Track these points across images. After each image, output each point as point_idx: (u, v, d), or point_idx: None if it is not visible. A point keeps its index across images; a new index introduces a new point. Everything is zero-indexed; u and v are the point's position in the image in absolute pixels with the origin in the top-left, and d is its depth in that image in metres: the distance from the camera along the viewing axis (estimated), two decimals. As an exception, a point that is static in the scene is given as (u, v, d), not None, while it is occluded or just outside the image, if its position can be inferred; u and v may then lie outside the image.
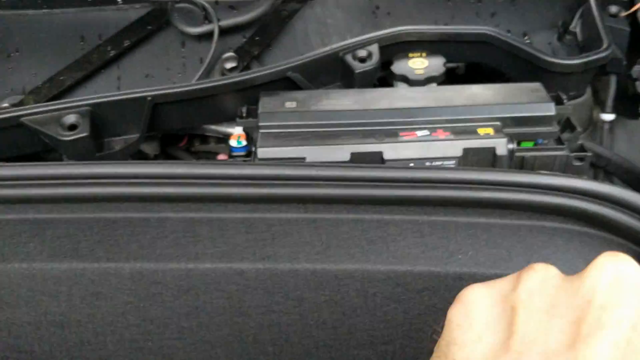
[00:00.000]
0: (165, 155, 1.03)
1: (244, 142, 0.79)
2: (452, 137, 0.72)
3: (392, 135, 0.72)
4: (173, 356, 0.72)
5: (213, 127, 0.91)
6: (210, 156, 1.02)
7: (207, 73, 0.87)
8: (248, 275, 0.68)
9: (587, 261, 0.73)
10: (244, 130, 0.76)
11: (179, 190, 0.71)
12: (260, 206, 0.71)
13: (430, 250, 0.68)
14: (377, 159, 0.72)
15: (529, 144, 0.76)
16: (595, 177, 0.87)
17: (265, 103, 0.77)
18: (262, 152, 0.71)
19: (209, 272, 0.68)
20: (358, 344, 0.71)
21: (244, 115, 0.76)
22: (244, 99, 0.82)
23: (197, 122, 0.85)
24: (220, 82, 0.80)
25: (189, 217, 0.71)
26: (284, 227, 0.69)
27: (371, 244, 0.69)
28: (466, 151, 0.71)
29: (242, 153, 0.79)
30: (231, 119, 0.81)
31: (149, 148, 0.90)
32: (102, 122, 0.80)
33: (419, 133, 0.73)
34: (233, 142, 0.80)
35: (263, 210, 0.70)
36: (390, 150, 0.71)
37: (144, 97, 0.78)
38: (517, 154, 0.73)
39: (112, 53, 0.89)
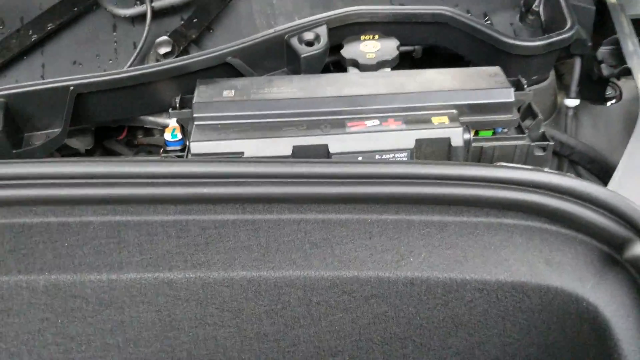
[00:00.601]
0: (102, 149, 0.95)
1: (179, 135, 0.72)
2: (404, 127, 0.66)
3: (338, 126, 0.66)
4: (100, 374, 0.65)
5: (151, 118, 0.83)
6: (154, 150, 0.94)
7: (142, 59, 0.79)
8: (178, 286, 0.61)
9: (548, 262, 0.67)
10: (178, 122, 0.69)
11: (101, 191, 0.63)
12: (193, 207, 0.64)
13: (379, 253, 0.62)
14: (322, 152, 0.65)
15: (488, 133, 0.70)
16: (559, 167, 0.82)
17: (202, 92, 0.70)
18: (196, 146, 0.64)
19: (134, 283, 0.61)
20: (304, 356, 0.65)
21: (177, 105, 0.68)
22: (181, 88, 0.75)
23: (130, 114, 0.77)
24: (152, 69, 0.72)
25: (113, 220, 0.64)
26: (219, 230, 0.63)
27: (314, 247, 0.62)
28: (419, 142, 0.65)
29: (178, 147, 0.72)
30: (167, 110, 0.73)
31: (78, 143, 0.82)
32: (19, 115, 0.72)
33: (369, 123, 0.67)
34: (167, 136, 0.72)
35: (196, 211, 0.64)
36: (337, 143, 0.65)
37: (66, 87, 0.70)
38: (475, 144, 0.67)
39: (35, 38, 0.80)
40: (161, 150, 0.74)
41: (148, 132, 0.94)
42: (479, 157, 0.70)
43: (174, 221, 0.64)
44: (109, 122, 0.81)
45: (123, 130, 0.93)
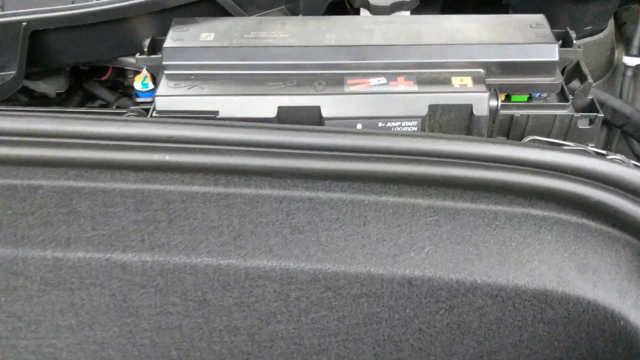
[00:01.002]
0: (83, 92, 0.85)
1: (151, 85, 0.61)
2: (415, 88, 0.54)
3: (336, 83, 0.55)
4: (56, 355, 0.58)
5: (130, 59, 0.72)
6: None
7: None
8: (133, 270, 0.53)
9: (581, 267, 0.55)
10: (147, 70, 0.58)
11: (52, 152, 0.54)
12: (156, 176, 0.54)
13: (374, 244, 0.52)
14: (313, 116, 0.55)
15: (522, 99, 0.58)
16: (607, 142, 0.68)
17: (176, 34, 0.59)
18: (161, 102, 0.54)
19: (83, 263, 0.53)
20: (283, 352, 0.56)
21: (147, 49, 0.57)
22: (156, 27, 0.64)
23: (98, 56, 0.66)
24: (120, 4, 0.62)
25: (65, 186, 0.55)
26: (185, 205, 0.53)
27: (296, 232, 0.52)
28: (433, 108, 0.53)
29: (149, 99, 0.61)
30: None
31: (46, 86, 0.72)
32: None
33: (373, 81, 0.55)
34: (137, 85, 0.62)
35: (160, 180, 0.54)
36: (332, 105, 0.54)
37: (18, 22, 0.59)
38: (505, 111, 0.55)
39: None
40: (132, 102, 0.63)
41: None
42: (509, 127, 0.57)
43: (134, 191, 0.55)
44: (77, 64, 0.70)
45: (108, 69, 0.82)
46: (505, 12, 0.71)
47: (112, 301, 0.54)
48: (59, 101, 0.82)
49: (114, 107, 0.82)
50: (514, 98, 0.58)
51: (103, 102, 0.85)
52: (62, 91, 0.77)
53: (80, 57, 0.67)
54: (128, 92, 0.87)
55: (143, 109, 0.60)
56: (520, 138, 0.59)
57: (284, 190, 0.54)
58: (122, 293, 0.53)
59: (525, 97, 0.59)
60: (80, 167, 0.54)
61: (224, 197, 0.54)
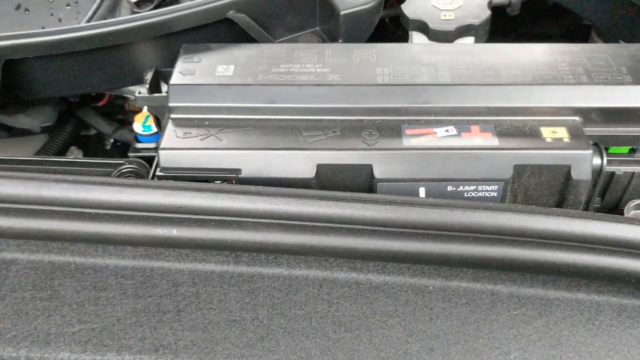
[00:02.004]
0: (76, 120, 0.74)
1: (154, 128, 0.50)
2: (496, 142, 0.42)
3: (391, 133, 0.45)
4: None
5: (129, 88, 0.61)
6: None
7: (110, 9, 0.55)
8: None
9: None
10: (150, 111, 0.46)
11: (27, 222, 0.44)
12: (161, 250, 0.43)
13: (444, 347, 0.41)
14: (362, 176, 0.46)
15: (622, 150, 0.46)
16: None
17: (185, 67, 0.48)
18: (167, 157, 0.43)
19: None
20: None
21: (149, 84, 0.46)
22: (161, 54, 0.53)
23: (90, 88, 0.56)
24: (116, 27, 0.52)
25: (45, 261, 0.46)
26: (198, 289, 0.43)
27: (342, 329, 0.44)
28: (520, 170, 0.42)
29: (152, 144, 0.50)
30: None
31: (29, 120, 0.61)
32: None
33: (439, 131, 0.44)
34: (137, 127, 0.51)
35: (165, 256, 0.44)
36: (387, 162, 0.46)
37: (-11, 50, 0.48)
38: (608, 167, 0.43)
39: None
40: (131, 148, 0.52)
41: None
42: (605, 185, 0.46)
43: (133, 269, 0.44)
44: (64, 95, 0.59)
45: (103, 96, 0.71)
46: (587, 34, 0.59)
47: None
48: (48, 133, 0.72)
49: (111, 140, 0.72)
50: (611, 150, 0.47)
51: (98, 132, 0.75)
52: (48, 124, 0.66)
53: (68, 89, 0.57)
54: (129, 120, 0.76)
55: (144, 159, 0.48)
56: (619, 200, 0.48)
57: (324, 271, 0.44)
58: (117, 405, 0.42)
59: (626, 149, 0.47)
60: (63, 239, 0.43)
61: (247, 279, 0.44)
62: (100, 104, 0.80)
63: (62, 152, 0.77)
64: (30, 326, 0.45)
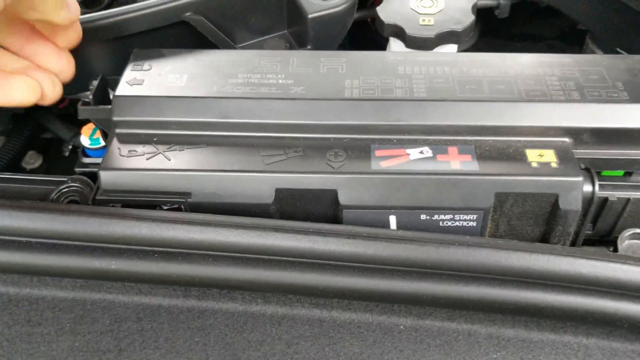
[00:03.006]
0: (33, 124, 0.70)
1: (102, 142, 0.46)
2: (475, 166, 0.38)
3: (359, 154, 0.41)
4: None
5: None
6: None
7: None
8: None
9: None
10: (95, 124, 0.42)
11: None
12: (102, 282, 0.39)
13: None
14: (325, 202, 0.43)
15: (615, 174, 0.42)
16: None
17: (133, 76, 0.44)
18: (108, 178, 0.38)
19: None
20: None
21: (93, 94, 0.42)
22: (110, 59, 0.48)
23: None
24: None
25: None
26: (143, 325, 0.40)
27: None
28: (501, 198, 0.38)
29: (99, 160, 0.45)
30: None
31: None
32: None
33: (412, 152, 0.40)
34: (84, 140, 0.46)
35: (106, 288, 0.40)
36: (353, 187, 0.42)
37: None
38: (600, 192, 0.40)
39: None
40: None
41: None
42: (598, 211, 0.42)
43: (72, 301, 0.41)
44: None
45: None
46: (582, 37, 0.55)
47: None
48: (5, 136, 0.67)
49: (69, 147, 0.67)
50: (604, 173, 0.43)
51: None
52: (1, 129, 0.62)
53: None
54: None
55: (91, 175, 0.44)
56: (612, 227, 0.44)
57: (283, 306, 0.40)
58: None
59: (620, 173, 0.43)
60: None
61: (197, 314, 0.40)
62: (61, 106, 0.75)
63: (19, 156, 0.73)
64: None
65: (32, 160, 0.80)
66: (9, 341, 0.41)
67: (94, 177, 0.48)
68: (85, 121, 0.70)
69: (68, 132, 0.75)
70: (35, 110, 0.76)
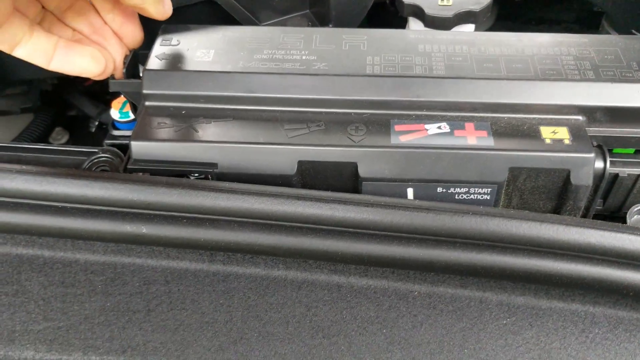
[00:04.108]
0: (61, 103, 0.72)
1: (132, 115, 0.48)
2: (491, 142, 0.40)
3: (379, 129, 0.43)
4: None
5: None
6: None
7: None
8: None
9: None
10: (126, 97, 0.44)
11: None
12: (132, 247, 0.41)
13: (428, 356, 0.39)
14: (346, 175, 0.44)
15: (627, 151, 0.43)
16: None
17: (162, 51, 0.46)
18: (140, 148, 0.40)
19: None
20: None
21: (126, 68, 0.43)
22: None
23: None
24: None
25: (13, 254, 0.44)
26: (170, 288, 0.42)
27: (319, 334, 0.42)
28: (515, 172, 0.40)
29: (129, 132, 0.48)
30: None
31: (6, 102, 0.58)
32: None
33: (430, 128, 0.41)
34: (114, 114, 0.48)
35: (137, 252, 0.42)
36: (373, 160, 0.44)
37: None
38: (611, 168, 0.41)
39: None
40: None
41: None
42: (608, 188, 0.43)
43: (103, 265, 0.43)
44: (38, 78, 0.57)
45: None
46: (598, 23, 0.56)
47: (72, 412, 0.41)
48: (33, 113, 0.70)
49: (96, 123, 0.69)
50: (616, 150, 0.44)
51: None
52: (29, 106, 0.64)
53: (43, 71, 0.53)
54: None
55: (120, 147, 0.46)
56: (622, 203, 0.45)
57: (303, 272, 0.42)
58: (85, 405, 0.41)
59: (631, 150, 0.44)
60: (31, 233, 0.41)
61: (222, 278, 0.42)
62: (87, 83, 0.77)
63: (46, 133, 0.76)
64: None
65: (59, 136, 0.83)
66: (44, 300, 0.43)
67: (122, 149, 0.50)
68: (111, 98, 0.73)
69: (94, 109, 0.78)
70: (62, 88, 0.79)
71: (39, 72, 0.58)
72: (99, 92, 0.80)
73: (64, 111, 0.81)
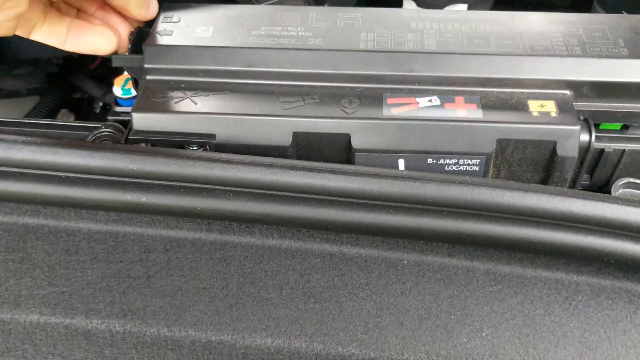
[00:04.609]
0: (65, 85, 0.73)
1: (134, 91, 0.49)
2: (480, 114, 0.41)
3: (372, 101, 0.44)
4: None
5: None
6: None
7: None
8: (100, 341, 0.44)
9: None
10: (129, 72, 0.45)
11: None
12: (133, 216, 0.43)
13: (415, 322, 0.42)
14: (339, 146, 0.46)
15: (614, 127, 0.44)
16: None
17: (163, 27, 0.47)
18: (140, 119, 0.42)
19: (35, 329, 0.43)
20: None
21: (131, 44, 0.45)
22: None
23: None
24: None
25: (19, 223, 0.45)
26: (169, 256, 0.43)
27: (311, 300, 0.44)
28: (503, 144, 0.41)
29: (130, 109, 0.49)
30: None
31: (14, 82, 0.60)
32: None
33: (422, 101, 0.42)
34: (117, 91, 0.50)
35: (137, 222, 0.43)
36: (366, 132, 0.46)
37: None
38: (596, 144, 0.42)
39: None
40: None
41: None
42: (595, 163, 0.45)
43: (105, 233, 0.44)
44: (44, 57, 0.58)
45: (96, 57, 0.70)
46: (589, 3, 0.56)
47: (76, 372, 0.43)
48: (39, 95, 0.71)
49: (100, 104, 0.71)
50: (603, 126, 0.45)
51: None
52: (35, 86, 0.65)
53: (50, 50, 0.55)
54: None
55: (123, 123, 0.48)
56: (609, 178, 0.46)
57: (297, 241, 0.43)
58: (88, 365, 0.42)
59: (618, 126, 0.45)
60: (36, 202, 0.42)
61: (219, 247, 0.43)
62: (92, 66, 0.79)
63: (52, 115, 0.77)
64: (1, 287, 0.45)
65: (65, 118, 0.85)
66: (49, 267, 0.44)
67: (125, 125, 0.51)
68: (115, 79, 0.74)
69: (99, 90, 0.79)
70: (67, 71, 0.80)
71: (43, 51, 0.59)
72: (103, 74, 0.81)
73: (69, 94, 0.83)
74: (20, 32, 0.45)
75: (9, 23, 0.41)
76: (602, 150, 0.46)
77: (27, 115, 0.74)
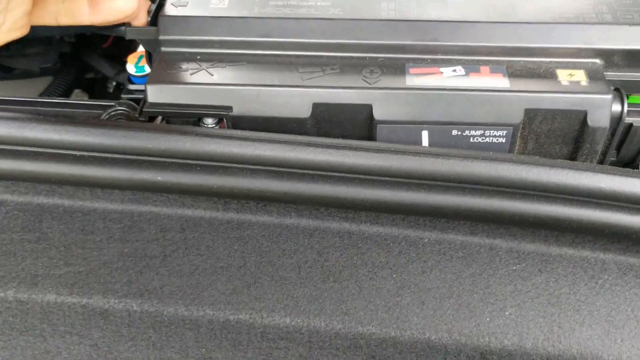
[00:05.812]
0: (79, 64, 0.71)
1: (147, 68, 0.47)
2: (507, 83, 0.39)
3: (394, 71, 0.46)
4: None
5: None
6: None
7: None
8: (118, 320, 0.43)
9: None
10: (144, 45, 0.44)
11: (12, 163, 0.41)
12: (149, 195, 0.41)
13: (436, 301, 0.41)
14: (360, 117, 0.44)
15: None
16: None
17: None
18: (154, 92, 0.41)
19: (52, 308, 0.43)
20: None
21: (150, 16, 0.44)
22: None
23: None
24: None
25: (34, 203, 0.46)
26: (186, 235, 0.42)
27: (330, 279, 0.44)
28: (531, 114, 0.39)
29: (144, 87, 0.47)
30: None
31: (26, 61, 0.58)
32: None
33: (446, 71, 0.40)
34: (130, 68, 0.48)
35: (153, 201, 0.42)
36: (388, 103, 0.43)
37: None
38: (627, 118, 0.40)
39: None
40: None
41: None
42: (622, 137, 0.43)
43: (121, 213, 0.43)
44: (58, 34, 0.56)
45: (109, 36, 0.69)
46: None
47: (94, 351, 0.43)
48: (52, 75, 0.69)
49: (114, 83, 0.69)
50: (631, 99, 0.43)
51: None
52: (47, 65, 0.64)
53: (55, 28, 0.53)
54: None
55: (136, 101, 0.46)
56: (636, 154, 0.44)
57: (315, 220, 0.42)
58: (106, 344, 0.43)
59: (646, 98, 0.43)
60: (51, 181, 0.41)
61: (236, 226, 0.42)
62: (105, 45, 0.77)
63: (65, 94, 0.76)
64: (18, 267, 0.44)
65: (78, 98, 0.83)
66: (65, 247, 0.43)
67: (139, 102, 0.50)
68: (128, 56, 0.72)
69: (112, 70, 0.77)
70: (80, 51, 0.78)
71: (54, 29, 0.57)
72: (116, 54, 0.79)
73: (82, 74, 0.81)
74: (47, 22, 0.43)
75: (21, 21, 0.40)
76: (630, 125, 0.44)
77: (41, 95, 0.72)
